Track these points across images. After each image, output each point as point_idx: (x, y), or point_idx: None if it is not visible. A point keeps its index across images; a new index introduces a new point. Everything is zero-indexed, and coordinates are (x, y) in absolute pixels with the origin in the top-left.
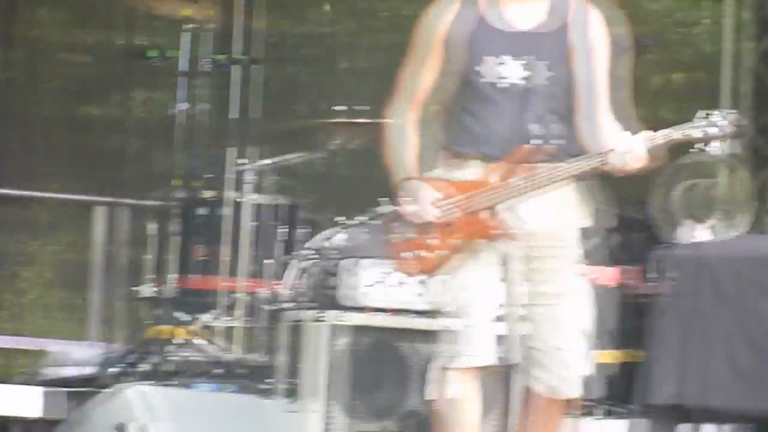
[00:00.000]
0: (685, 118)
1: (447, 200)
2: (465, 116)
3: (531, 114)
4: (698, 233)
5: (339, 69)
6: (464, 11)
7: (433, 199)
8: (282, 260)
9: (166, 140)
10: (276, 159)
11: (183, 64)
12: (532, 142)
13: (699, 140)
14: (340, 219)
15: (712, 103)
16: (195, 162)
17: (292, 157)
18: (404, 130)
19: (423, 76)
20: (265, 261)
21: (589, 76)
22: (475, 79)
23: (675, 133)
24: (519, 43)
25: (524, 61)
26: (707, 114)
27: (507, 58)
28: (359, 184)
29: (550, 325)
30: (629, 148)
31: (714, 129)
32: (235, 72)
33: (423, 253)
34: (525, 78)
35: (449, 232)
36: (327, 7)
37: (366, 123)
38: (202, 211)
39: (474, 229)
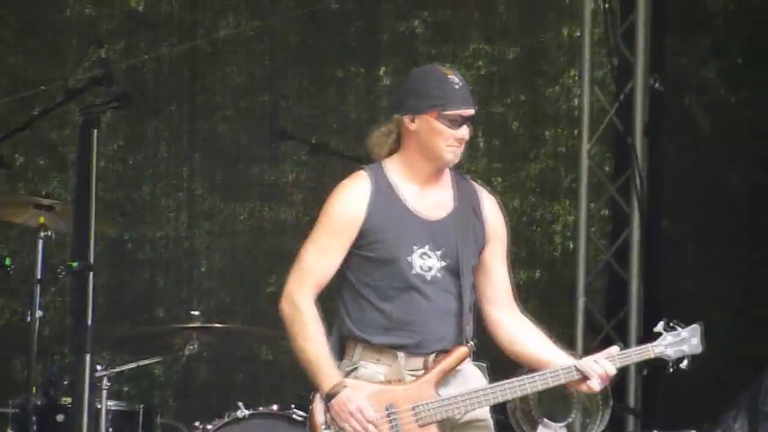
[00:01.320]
0: (550, 312)
1: (392, 417)
2: (385, 305)
3: (453, 305)
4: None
5: (195, 273)
6: (382, 197)
7: (374, 419)
8: None
9: (23, 347)
10: (131, 364)
11: (38, 272)
12: (457, 335)
13: (673, 360)
14: (198, 424)
15: (571, 299)
16: (52, 369)
17: (148, 362)
18: (316, 320)
19: (330, 259)
20: None
21: (499, 265)
22: (404, 268)
23: (649, 353)
24: (436, 233)
25: (440, 251)
26: (674, 330)
27: (428, 249)
28: (216, 389)
29: None
30: (606, 371)
31: (686, 347)
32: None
33: None
34: (442, 268)
35: None
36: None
37: (222, 327)
38: (59, 417)
39: None
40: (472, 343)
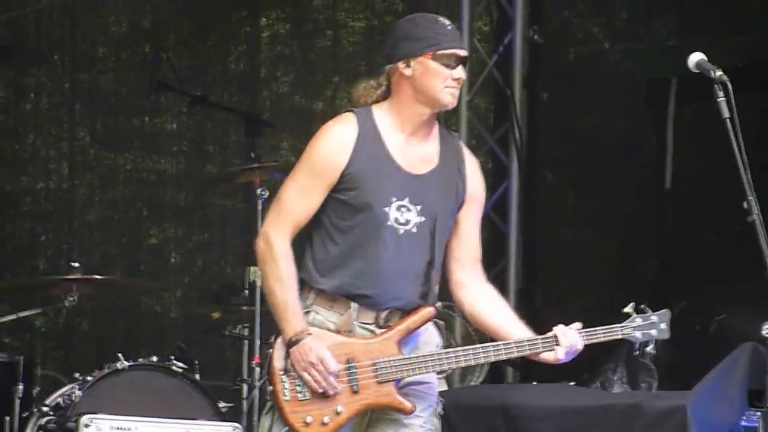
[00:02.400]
0: None
1: (351, 370)
2: (351, 253)
3: (418, 265)
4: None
5: (76, 224)
6: (367, 144)
7: (336, 370)
8: (20, 418)
9: None
10: (11, 316)
11: None
12: (414, 295)
13: (640, 342)
14: (78, 375)
15: None
16: None
17: (28, 314)
18: (289, 262)
19: (310, 200)
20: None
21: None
22: (379, 218)
23: (617, 333)
24: (417, 187)
25: (419, 206)
26: (644, 312)
27: (407, 202)
28: (96, 340)
29: None
30: (573, 343)
31: (654, 331)
32: None
33: (326, 419)
34: (419, 224)
35: (353, 400)
36: None
37: (102, 279)
38: None
39: (380, 401)
40: (438, 304)
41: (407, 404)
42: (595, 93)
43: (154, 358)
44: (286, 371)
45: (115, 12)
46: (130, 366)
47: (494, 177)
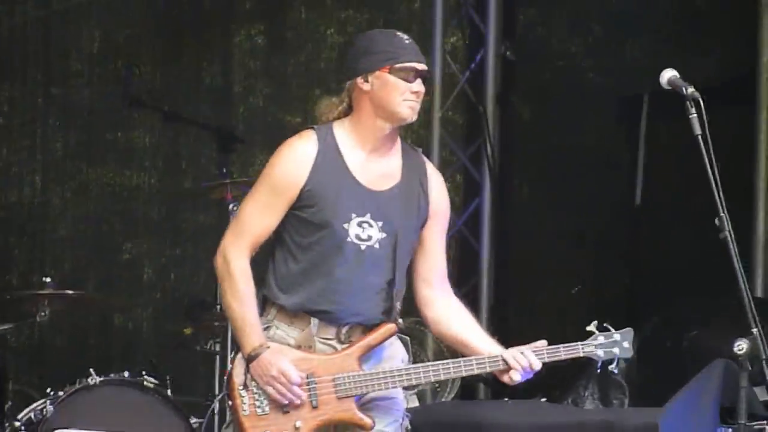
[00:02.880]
0: None
1: (311, 386)
2: (312, 270)
3: (379, 281)
4: (407, 398)
5: (49, 238)
6: (327, 161)
7: (298, 383)
8: None
9: None
10: None
11: None
12: (375, 312)
13: (602, 361)
14: (50, 390)
15: None
16: None
17: (2, 328)
18: (247, 279)
19: (269, 218)
20: None
21: (437, 243)
22: (339, 235)
23: (578, 352)
24: (378, 203)
25: (381, 222)
26: (606, 331)
27: (369, 218)
28: (68, 355)
29: None
30: (526, 365)
31: (617, 350)
32: None
33: None
34: (381, 240)
35: (312, 415)
36: None
37: (74, 294)
38: None
39: (339, 416)
40: (400, 321)
41: (367, 420)
42: (569, 109)
43: (126, 374)
44: (245, 386)
45: (89, 26)
46: (101, 381)
47: (466, 193)
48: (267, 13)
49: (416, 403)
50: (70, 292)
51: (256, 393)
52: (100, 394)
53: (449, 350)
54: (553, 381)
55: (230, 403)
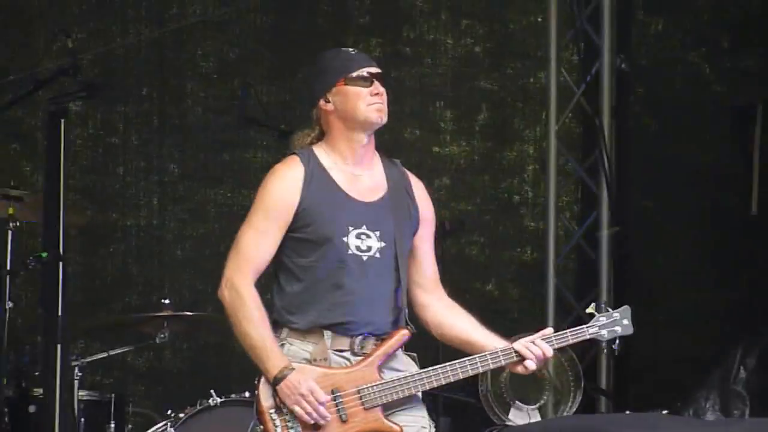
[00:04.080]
0: (522, 293)
1: (338, 401)
2: (319, 286)
3: (386, 289)
4: (528, 414)
5: (167, 260)
6: (315, 180)
7: (325, 401)
8: None
9: None
10: (102, 354)
11: (8, 262)
12: (385, 319)
13: (606, 340)
14: (170, 412)
15: (542, 280)
16: (23, 360)
17: (119, 351)
18: (259, 305)
19: (268, 243)
20: None
21: (428, 248)
22: (340, 249)
23: (584, 334)
24: (372, 214)
25: (378, 232)
26: (606, 311)
27: (365, 229)
28: (188, 377)
29: None
30: (540, 353)
31: (618, 328)
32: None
33: None
34: (381, 249)
35: (342, 429)
36: None
37: (193, 315)
38: (31, 408)
39: (369, 427)
40: (411, 326)
41: (395, 427)
42: (685, 119)
43: (246, 394)
44: (276, 408)
45: (203, 46)
46: (222, 402)
47: (584, 205)
48: (383, 26)
49: (538, 418)
50: (189, 313)
51: (286, 415)
52: (221, 415)
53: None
54: (674, 393)
55: (261, 427)
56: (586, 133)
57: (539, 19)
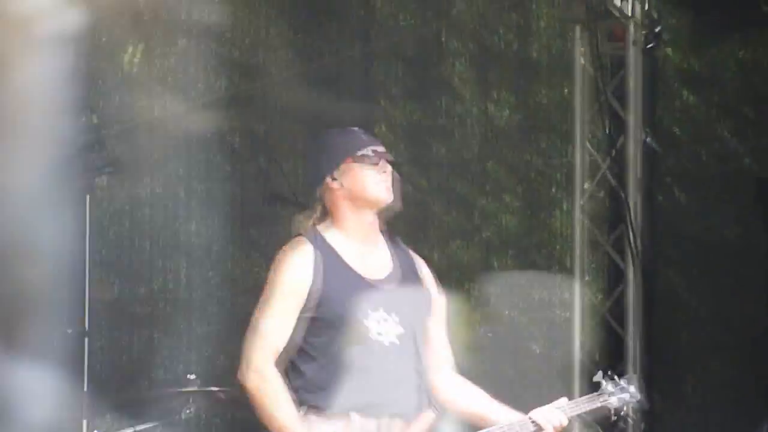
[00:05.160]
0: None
1: None
2: (344, 368)
3: (408, 371)
4: None
5: (194, 334)
6: (326, 260)
7: None
8: None
9: None
10: (128, 429)
11: None
12: (409, 401)
13: (615, 408)
14: None
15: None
16: None
17: (144, 427)
18: (284, 386)
19: (285, 324)
20: None
21: (441, 328)
22: (360, 331)
23: (596, 402)
24: (386, 295)
25: (397, 317)
26: (612, 380)
27: (383, 312)
28: None
29: None
30: (557, 422)
31: (627, 395)
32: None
33: None
34: (400, 335)
35: None
36: None
37: (219, 391)
38: None
39: None
40: (436, 407)
41: None
42: (710, 193)
43: None
44: None
45: (228, 119)
46: None
47: (610, 280)
48: (416, 96)
49: None
50: (215, 389)
51: None
52: None
53: None
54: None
55: None
56: (612, 207)
57: (565, 91)
